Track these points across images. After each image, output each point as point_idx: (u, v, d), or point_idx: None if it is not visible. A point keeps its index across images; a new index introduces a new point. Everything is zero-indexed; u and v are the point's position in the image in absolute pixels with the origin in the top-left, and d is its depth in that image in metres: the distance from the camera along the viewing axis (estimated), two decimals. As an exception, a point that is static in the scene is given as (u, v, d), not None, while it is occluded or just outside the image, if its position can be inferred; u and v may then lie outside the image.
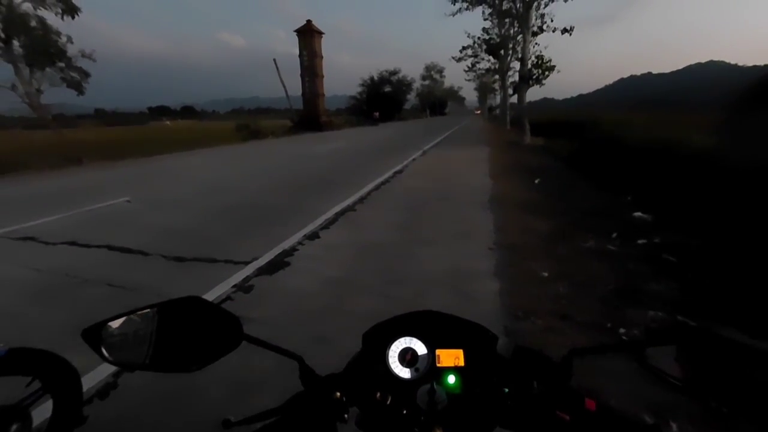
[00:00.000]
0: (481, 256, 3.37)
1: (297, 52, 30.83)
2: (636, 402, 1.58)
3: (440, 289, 2.80)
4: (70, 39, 17.34)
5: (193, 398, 1.71)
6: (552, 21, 15.18)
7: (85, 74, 18.33)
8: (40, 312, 2.56)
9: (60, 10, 16.48)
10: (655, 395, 1.56)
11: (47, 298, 2.77)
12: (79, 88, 18.30)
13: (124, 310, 0.52)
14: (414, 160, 10.18)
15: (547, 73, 15.66)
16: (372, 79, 52.98)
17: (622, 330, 2.20)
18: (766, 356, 0.39)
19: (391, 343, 0.54)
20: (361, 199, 5.69)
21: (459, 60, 24.45)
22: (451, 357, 0.52)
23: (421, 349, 0.53)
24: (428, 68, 76.52)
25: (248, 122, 24.91)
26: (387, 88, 53.91)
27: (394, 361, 0.53)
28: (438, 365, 0.52)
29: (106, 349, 0.48)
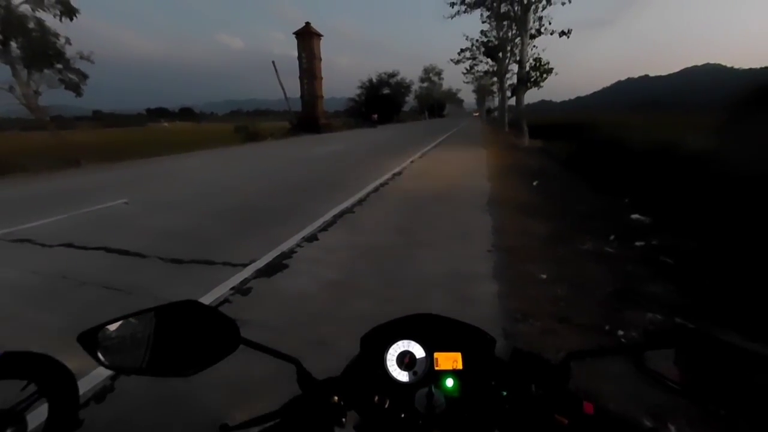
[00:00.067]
0: (480, 258, 3.37)
1: (296, 54, 30.96)
2: (635, 405, 1.58)
3: (439, 291, 2.79)
4: (68, 40, 17.29)
5: (191, 402, 1.69)
6: (550, 24, 15.32)
7: (83, 76, 18.25)
8: (36, 315, 2.54)
9: (58, 12, 16.43)
10: (653, 398, 1.56)
11: (43, 300, 2.75)
12: (77, 90, 18.22)
13: (121, 313, 0.51)
14: (412, 162, 10.19)
15: (545, 75, 15.77)
16: (371, 81, 53.12)
17: (620, 332, 2.20)
18: (764, 359, 0.38)
19: (390, 347, 0.54)
20: (360, 201, 5.68)
21: (457, 62, 24.63)
22: (449, 360, 0.52)
23: (419, 352, 0.53)
24: (427, 70, 76.65)
25: (247, 124, 24.91)
26: (385, 91, 53.99)
27: (393, 365, 0.52)
28: (436, 368, 0.52)
29: (102, 354, 0.48)
